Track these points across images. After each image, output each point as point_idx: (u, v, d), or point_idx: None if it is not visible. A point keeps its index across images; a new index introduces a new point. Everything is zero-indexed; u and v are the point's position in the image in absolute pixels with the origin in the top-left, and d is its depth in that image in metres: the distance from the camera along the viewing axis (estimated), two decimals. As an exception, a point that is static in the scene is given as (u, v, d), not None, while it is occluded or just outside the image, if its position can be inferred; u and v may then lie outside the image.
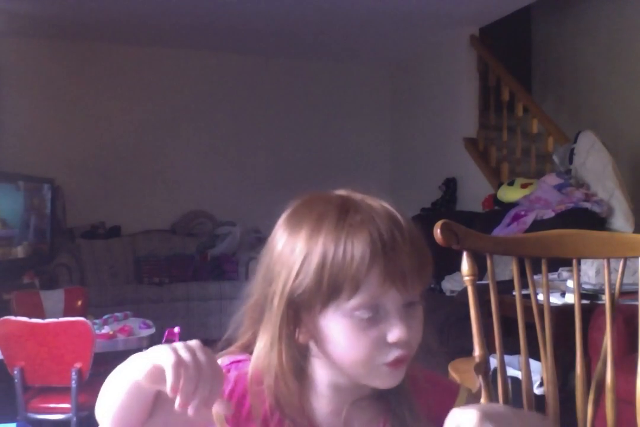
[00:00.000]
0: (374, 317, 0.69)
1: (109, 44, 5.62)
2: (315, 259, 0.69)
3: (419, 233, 0.73)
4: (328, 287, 0.68)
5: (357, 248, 0.67)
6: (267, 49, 5.90)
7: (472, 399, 0.81)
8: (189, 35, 5.47)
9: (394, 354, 0.69)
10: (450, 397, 0.80)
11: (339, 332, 0.70)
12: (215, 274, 5.32)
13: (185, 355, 0.62)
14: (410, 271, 0.69)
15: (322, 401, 0.76)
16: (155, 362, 0.62)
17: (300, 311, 0.72)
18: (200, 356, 0.63)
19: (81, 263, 5.03)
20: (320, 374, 0.75)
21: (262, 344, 0.75)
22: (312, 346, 0.74)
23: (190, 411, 0.61)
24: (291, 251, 0.71)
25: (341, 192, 0.75)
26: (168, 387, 0.61)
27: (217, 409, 0.65)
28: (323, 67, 6.29)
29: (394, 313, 0.69)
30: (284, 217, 0.75)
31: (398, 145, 6.39)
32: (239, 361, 0.78)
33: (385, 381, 0.72)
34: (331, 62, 6.29)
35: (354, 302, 0.68)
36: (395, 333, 0.69)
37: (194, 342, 0.65)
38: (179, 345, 0.63)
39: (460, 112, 5.33)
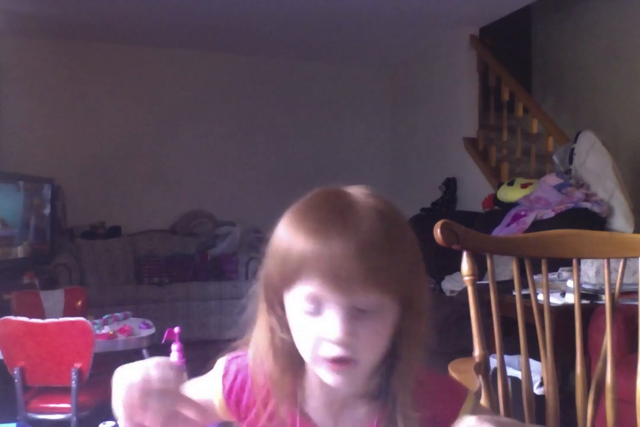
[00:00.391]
0: (318, 312, 0.71)
1: (108, 44, 5.62)
2: (280, 247, 0.72)
3: (400, 242, 0.72)
4: (282, 276, 0.72)
5: (306, 245, 0.69)
6: (267, 49, 5.90)
7: (480, 404, 0.82)
8: (189, 35, 5.47)
9: (332, 352, 0.70)
10: (456, 400, 0.79)
11: (292, 318, 0.73)
12: (215, 274, 5.32)
13: (150, 374, 0.70)
14: (358, 278, 0.69)
15: (314, 393, 0.78)
16: (122, 384, 0.70)
17: (275, 294, 0.75)
18: (164, 373, 0.70)
19: (81, 263, 5.03)
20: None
21: (257, 324, 0.78)
22: None
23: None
24: (274, 238, 0.75)
25: (352, 189, 0.76)
26: (130, 405, 0.69)
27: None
28: (323, 67, 6.29)
29: (333, 312, 0.70)
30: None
31: (398, 146, 6.39)
32: (238, 356, 0.82)
33: (328, 379, 0.73)
34: (331, 62, 6.29)
35: (300, 294, 0.71)
36: (326, 329, 0.70)
37: (161, 360, 0.72)
38: (146, 362, 0.71)
39: (460, 112, 5.33)
